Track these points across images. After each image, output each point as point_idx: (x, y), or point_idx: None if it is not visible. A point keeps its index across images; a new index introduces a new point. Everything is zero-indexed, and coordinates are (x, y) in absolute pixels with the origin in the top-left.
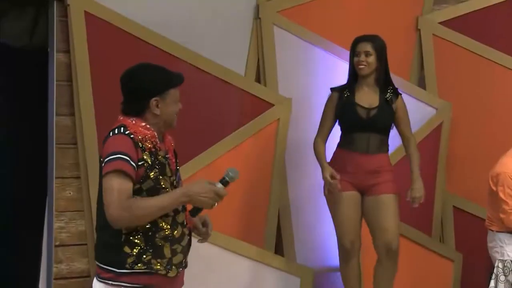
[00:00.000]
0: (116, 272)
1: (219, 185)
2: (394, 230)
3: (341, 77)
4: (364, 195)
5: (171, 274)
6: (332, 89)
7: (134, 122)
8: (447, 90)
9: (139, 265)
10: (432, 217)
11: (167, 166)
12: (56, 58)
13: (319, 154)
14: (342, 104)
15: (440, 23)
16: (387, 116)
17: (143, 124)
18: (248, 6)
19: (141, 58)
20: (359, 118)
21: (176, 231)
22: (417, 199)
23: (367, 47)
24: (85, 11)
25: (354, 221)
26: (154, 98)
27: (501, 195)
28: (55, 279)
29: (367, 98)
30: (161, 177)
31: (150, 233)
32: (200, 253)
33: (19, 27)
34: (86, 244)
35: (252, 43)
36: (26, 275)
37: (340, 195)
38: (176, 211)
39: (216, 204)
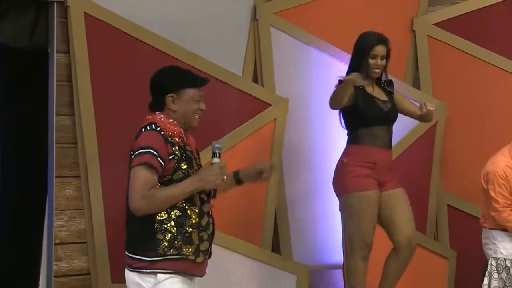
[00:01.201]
0: (149, 260)
1: (217, 160)
2: (412, 222)
3: (337, 77)
4: (381, 191)
5: (199, 260)
6: (341, 80)
7: (162, 119)
8: (442, 90)
9: (171, 250)
10: (426, 215)
11: (193, 160)
12: (56, 58)
13: (333, 94)
14: (361, 97)
15: (434, 24)
16: (396, 108)
17: (171, 120)
18: (246, 7)
19: (139, 58)
20: (382, 111)
21: (203, 220)
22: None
23: (384, 50)
24: (84, 12)
25: (375, 220)
26: (169, 95)
27: (492, 193)
28: (55, 276)
29: (377, 93)
30: (190, 170)
31: (180, 221)
32: None
33: (19, 28)
34: (85, 242)
35: (249, 43)
36: (26, 273)
37: (368, 194)
38: (203, 201)
39: (224, 177)
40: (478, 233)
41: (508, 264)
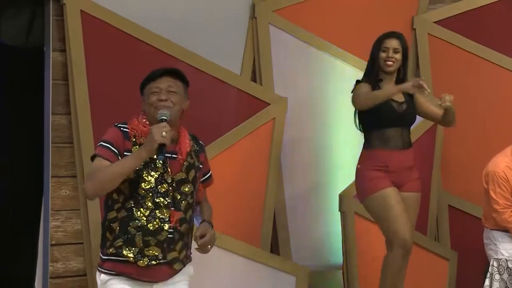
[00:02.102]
0: (101, 258)
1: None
2: (412, 228)
3: (336, 76)
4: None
5: (141, 263)
6: (359, 81)
7: (137, 120)
8: (442, 88)
9: (111, 250)
10: (427, 216)
11: (158, 163)
12: (52, 57)
13: (375, 93)
14: None
15: (435, 22)
16: (413, 109)
17: (144, 120)
18: (244, 6)
19: (136, 57)
20: (395, 113)
21: (151, 224)
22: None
23: (396, 43)
24: (81, 10)
25: (407, 216)
26: (142, 97)
27: (492, 194)
28: (51, 278)
29: (399, 94)
30: (143, 171)
31: (125, 221)
32: (196, 251)
33: (15, 26)
34: (82, 243)
35: (248, 42)
36: (22, 274)
37: (386, 191)
38: (157, 206)
39: (164, 133)
40: (479, 234)
41: (510, 265)
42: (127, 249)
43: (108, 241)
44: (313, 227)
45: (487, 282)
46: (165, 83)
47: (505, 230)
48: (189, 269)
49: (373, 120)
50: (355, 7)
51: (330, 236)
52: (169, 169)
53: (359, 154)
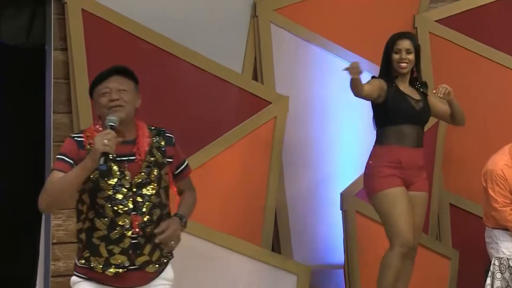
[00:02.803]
0: (75, 264)
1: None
2: (418, 228)
3: (338, 74)
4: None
5: (109, 273)
6: (375, 77)
7: (93, 126)
8: None
9: (80, 260)
10: (429, 215)
11: (113, 168)
12: (54, 56)
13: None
14: (393, 94)
15: (436, 21)
16: (428, 108)
17: (97, 127)
18: (245, 4)
19: (138, 55)
20: (414, 109)
21: (113, 233)
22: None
23: (408, 44)
24: (82, 9)
25: (411, 216)
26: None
27: (491, 192)
28: (53, 276)
29: (410, 91)
30: (100, 179)
31: (89, 232)
32: (198, 250)
33: (16, 25)
34: None
35: (249, 41)
36: (22, 273)
37: (397, 190)
38: (117, 214)
39: (106, 142)
40: (481, 232)
41: (511, 264)
42: (94, 259)
43: (79, 250)
44: (314, 226)
45: (488, 281)
46: (114, 82)
47: (506, 228)
48: (168, 273)
49: (390, 116)
50: (357, 6)
51: (332, 235)
52: (126, 173)
53: (371, 150)
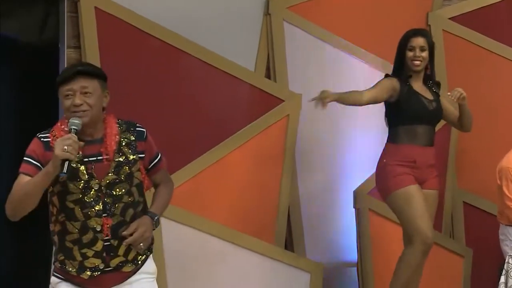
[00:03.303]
0: (54, 265)
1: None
2: (431, 225)
3: (350, 72)
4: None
5: (84, 276)
6: (389, 75)
7: (60, 125)
8: (457, 85)
9: (56, 263)
10: (442, 213)
11: (80, 170)
12: (67, 53)
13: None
14: (406, 94)
15: (450, 18)
16: (441, 108)
17: (63, 127)
18: (258, 2)
19: (150, 53)
20: (427, 110)
21: (85, 236)
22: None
23: (422, 41)
24: (95, 7)
25: (429, 214)
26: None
27: (505, 190)
28: None
29: (423, 91)
30: (69, 182)
31: (61, 236)
32: (211, 248)
33: (30, 23)
34: None
35: (262, 38)
36: (41, 266)
37: (410, 188)
38: (88, 216)
39: (66, 148)
40: (495, 230)
41: None
42: (69, 263)
43: (54, 254)
44: (327, 224)
45: (502, 279)
46: (77, 84)
47: None
48: (148, 267)
49: (403, 115)
50: (370, 3)
51: (345, 233)
52: (94, 175)
53: (383, 148)
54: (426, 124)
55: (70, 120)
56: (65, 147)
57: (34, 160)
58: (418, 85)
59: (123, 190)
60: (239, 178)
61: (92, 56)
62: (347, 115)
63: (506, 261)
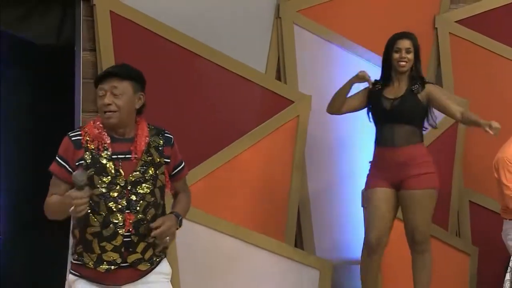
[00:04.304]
0: (71, 261)
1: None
2: (418, 222)
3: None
4: (398, 190)
5: (100, 269)
6: (375, 82)
7: (94, 122)
8: (464, 87)
9: (75, 256)
10: (449, 211)
11: (109, 167)
12: (83, 56)
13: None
14: (371, 98)
15: (456, 21)
16: (410, 104)
17: (98, 123)
18: (269, 6)
19: (163, 55)
20: (383, 109)
21: (106, 229)
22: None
23: (407, 43)
24: (110, 11)
25: (383, 217)
26: None
27: (503, 180)
28: None
29: (396, 90)
30: (96, 176)
31: (82, 228)
32: (222, 245)
33: (46, 26)
34: None
35: (273, 41)
36: (54, 265)
37: (372, 191)
38: (111, 211)
39: (71, 209)
40: (500, 229)
41: None
42: (87, 255)
43: (73, 246)
44: (336, 222)
45: (508, 276)
46: (108, 84)
47: None
48: (164, 267)
49: (372, 119)
50: (378, 7)
51: (353, 231)
52: (121, 172)
53: None
54: (388, 123)
55: (73, 175)
56: (78, 208)
57: (63, 161)
58: (395, 86)
59: (147, 190)
60: (250, 177)
61: (107, 59)
62: (355, 115)
63: (511, 259)
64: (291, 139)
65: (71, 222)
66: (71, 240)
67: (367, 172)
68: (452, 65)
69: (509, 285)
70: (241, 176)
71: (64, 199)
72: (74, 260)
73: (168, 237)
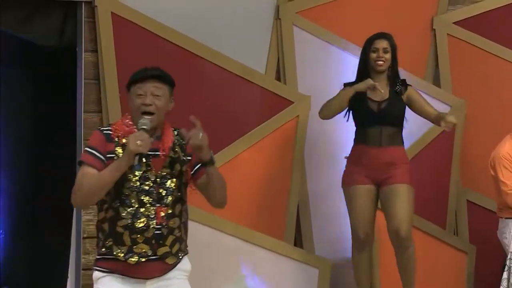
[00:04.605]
0: (96, 257)
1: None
2: (402, 216)
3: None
4: (380, 187)
5: (131, 261)
6: (345, 84)
7: (122, 120)
8: (461, 88)
9: (103, 250)
10: (446, 210)
11: (140, 160)
12: (84, 57)
13: (334, 97)
14: (354, 99)
15: (454, 23)
16: (397, 107)
17: (127, 121)
18: (269, 7)
19: (164, 56)
20: (371, 112)
21: (137, 222)
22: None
23: (385, 43)
24: (112, 12)
25: (369, 213)
26: (128, 94)
27: (500, 176)
28: (83, 269)
29: (379, 92)
30: (128, 170)
31: (113, 221)
32: (222, 244)
33: (48, 28)
34: None
35: (273, 42)
36: (56, 265)
37: (356, 188)
38: (142, 204)
39: (139, 143)
40: (497, 228)
41: None
42: (117, 248)
43: (100, 241)
44: (335, 221)
45: (505, 275)
46: (150, 87)
47: None
48: (185, 264)
49: (356, 119)
50: (376, 8)
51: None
52: (152, 166)
53: None
54: (376, 125)
55: (139, 121)
56: (139, 142)
57: (98, 152)
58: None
59: (174, 185)
60: (250, 177)
61: (109, 60)
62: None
63: (508, 257)
64: (290, 139)
65: (98, 217)
66: (71, 241)
67: (346, 168)
68: (450, 66)
69: (506, 283)
70: (241, 176)
71: (118, 160)
72: (100, 255)
73: (202, 146)
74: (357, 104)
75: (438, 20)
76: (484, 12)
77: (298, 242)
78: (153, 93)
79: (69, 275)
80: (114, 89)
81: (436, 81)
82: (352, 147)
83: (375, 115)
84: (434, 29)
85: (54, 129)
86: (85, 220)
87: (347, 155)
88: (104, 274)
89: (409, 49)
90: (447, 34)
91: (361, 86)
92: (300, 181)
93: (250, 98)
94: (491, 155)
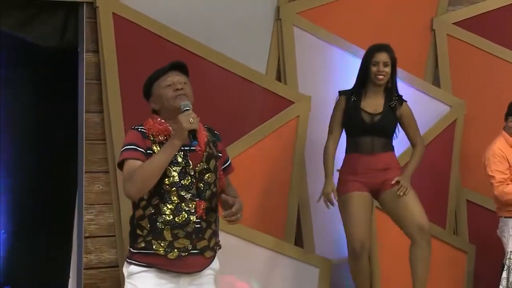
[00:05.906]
0: (131, 251)
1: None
2: (419, 211)
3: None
4: (379, 193)
5: (171, 256)
6: (340, 92)
7: (152, 120)
8: (461, 88)
9: (143, 245)
10: (446, 210)
11: (178, 157)
12: (86, 57)
13: (327, 163)
14: (348, 109)
15: (454, 23)
16: (390, 121)
17: (159, 119)
18: (269, 7)
19: (165, 57)
20: (363, 123)
21: (178, 217)
22: (403, 188)
23: (385, 57)
24: (113, 13)
25: (364, 221)
26: (149, 100)
27: (488, 171)
28: (85, 269)
29: (373, 104)
30: (167, 166)
31: (153, 217)
32: (222, 243)
33: (50, 28)
34: (114, 236)
35: (273, 43)
36: (57, 264)
37: (351, 195)
38: (182, 199)
39: (191, 120)
40: (497, 227)
41: None
42: (157, 243)
43: (139, 237)
44: (335, 220)
45: (504, 274)
46: (175, 76)
47: None
48: (215, 262)
49: (347, 128)
50: (376, 9)
51: None
52: (190, 162)
53: None
54: (367, 135)
55: (180, 104)
56: (191, 119)
57: (139, 147)
58: (370, 98)
59: (211, 180)
60: (251, 177)
61: (110, 60)
62: None
63: (508, 257)
64: (291, 139)
65: (134, 214)
66: (73, 241)
67: (338, 178)
68: (449, 67)
69: (505, 282)
70: (241, 176)
71: (170, 139)
72: (138, 249)
73: (239, 214)
74: (351, 114)
75: (438, 20)
76: (484, 12)
77: (298, 241)
78: (180, 81)
79: (70, 274)
80: (116, 89)
81: (436, 81)
82: (344, 158)
83: (367, 126)
84: (434, 30)
85: (55, 129)
86: (87, 219)
87: (339, 168)
88: (141, 269)
89: (409, 50)
90: (447, 34)
91: (325, 190)
92: (300, 181)
93: (250, 98)
94: (484, 154)
